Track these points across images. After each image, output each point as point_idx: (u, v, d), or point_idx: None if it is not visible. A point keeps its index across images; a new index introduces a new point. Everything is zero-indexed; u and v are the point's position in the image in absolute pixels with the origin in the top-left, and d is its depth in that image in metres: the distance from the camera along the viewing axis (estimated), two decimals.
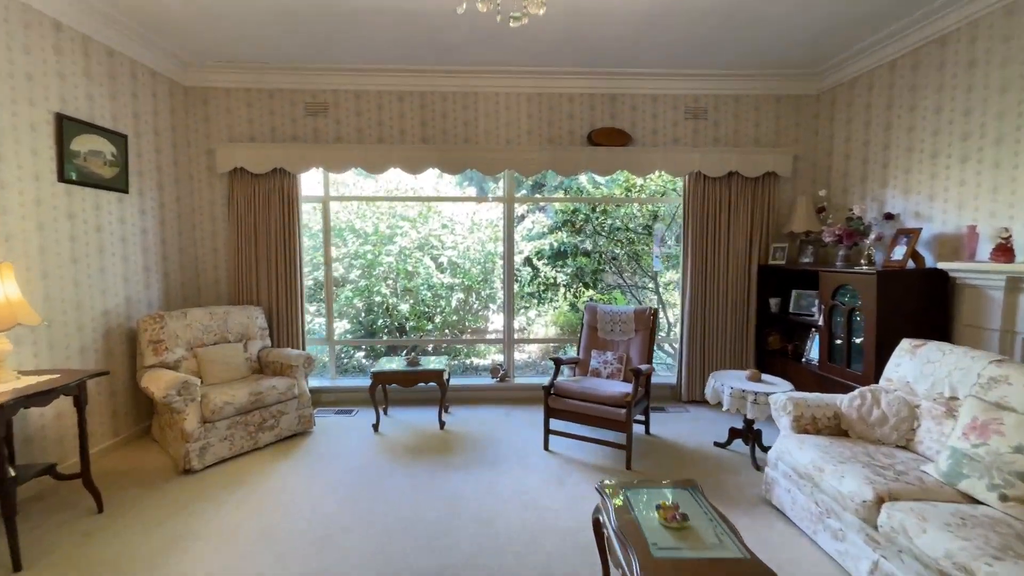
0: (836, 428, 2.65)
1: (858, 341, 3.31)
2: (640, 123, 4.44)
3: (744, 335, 4.49)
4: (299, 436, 3.72)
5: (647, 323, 3.86)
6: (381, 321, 6.77)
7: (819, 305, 3.73)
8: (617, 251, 5.96)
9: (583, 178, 6.68)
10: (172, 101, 4.10)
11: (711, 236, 4.42)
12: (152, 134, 3.87)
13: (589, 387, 3.42)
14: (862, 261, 3.42)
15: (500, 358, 5.08)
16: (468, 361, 6.76)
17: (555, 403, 3.45)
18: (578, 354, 4.04)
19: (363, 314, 6.82)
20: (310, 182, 4.68)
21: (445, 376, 3.94)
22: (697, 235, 4.42)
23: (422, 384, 3.87)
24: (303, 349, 4.37)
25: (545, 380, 4.55)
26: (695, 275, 4.44)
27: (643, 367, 3.44)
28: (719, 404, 3.37)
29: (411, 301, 6.72)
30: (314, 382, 4.62)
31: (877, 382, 3.04)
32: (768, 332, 4.45)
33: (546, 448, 3.50)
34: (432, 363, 4.00)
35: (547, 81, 4.32)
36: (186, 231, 4.27)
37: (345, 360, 6.41)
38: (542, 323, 7.31)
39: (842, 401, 2.68)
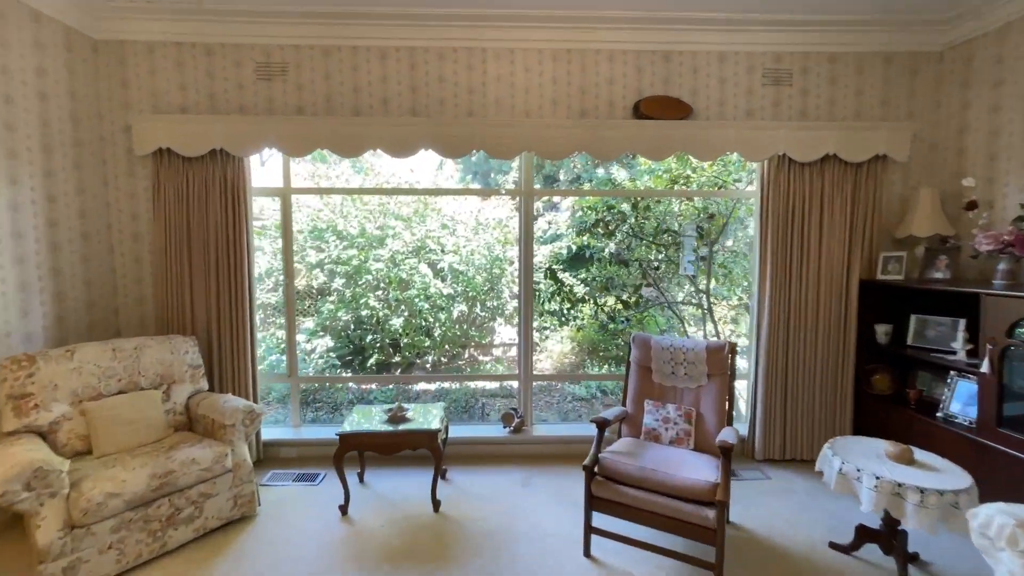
0: None
1: None
2: (703, 91, 3.32)
3: (840, 372, 3.37)
4: (234, 525, 2.63)
5: (724, 364, 2.75)
6: (371, 337, 5.72)
7: (963, 338, 2.62)
8: (655, 257, 4.85)
9: (611, 168, 5.58)
10: (72, 57, 3.01)
11: (796, 241, 3.31)
12: (36, 99, 2.78)
13: (652, 466, 2.31)
14: None
15: (513, 384, 4.02)
16: (472, 386, 5.71)
17: (602, 490, 2.34)
18: (623, 404, 2.94)
19: (352, 327, 5.78)
20: (275, 170, 3.60)
21: (441, 436, 2.84)
22: (779, 240, 3.30)
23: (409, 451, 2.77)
24: (253, 393, 3.28)
25: (573, 429, 3.45)
26: (776, 292, 3.33)
27: (729, 438, 2.33)
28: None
29: (405, 313, 5.65)
30: (270, 432, 3.53)
31: None
32: (873, 369, 3.34)
33: (587, 554, 2.40)
34: (423, 418, 2.90)
35: (579, 33, 3.21)
36: (97, 234, 3.18)
37: (326, 386, 5.33)
38: (557, 338, 6.25)
39: None
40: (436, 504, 2.79)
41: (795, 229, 3.30)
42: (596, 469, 2.39)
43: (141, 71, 3.21)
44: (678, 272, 5.06)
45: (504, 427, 3.52)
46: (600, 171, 7.66)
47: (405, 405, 2.98)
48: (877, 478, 2.09)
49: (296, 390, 3.61)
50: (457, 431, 3.50)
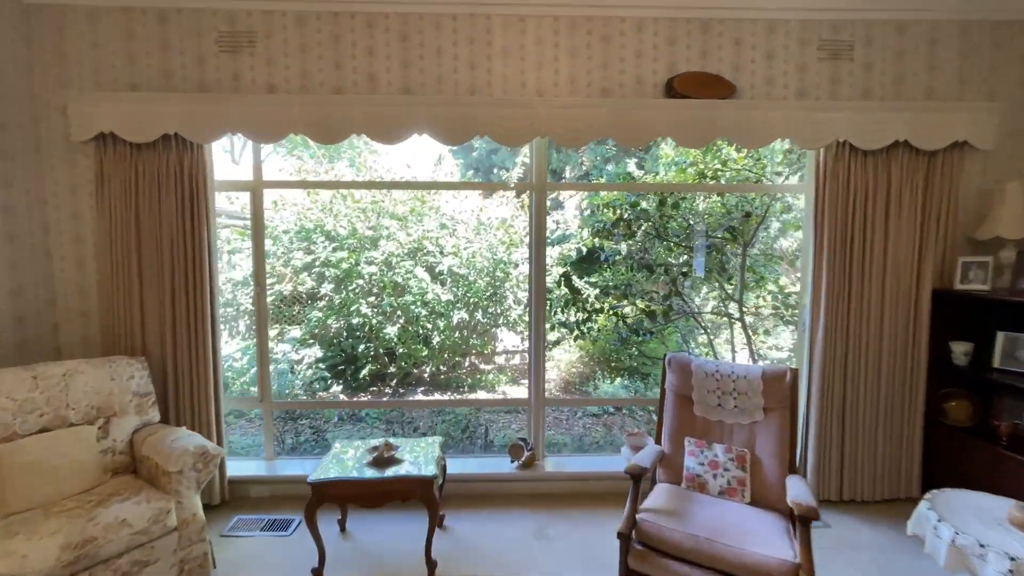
0: None
1: None
2: (747, 66, 2.81)
3: (907, 398, 2.86)
4: None
5: (784, 395, 2.24)
6: (364, 346, 5.23)
7: None
8: (676, 261, 4.34)
9: (629, 161, 5.08)
10: None
11: (857, 243, 2.80)
12: None
13: (707, 535, 1.80)
14: None
15: (523, 395, 3.52)
16: (473, 398, 5.23)
17: (641, 563, 1.84)
18: (657, 440, 2.43)
19: (344, 335, 5.30)
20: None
21: (437, 482, 2.33)
22: (836, 242, 2.79)
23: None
24: (216, 423, 2.77)
25: (594, 463, 2.87)
26: (832, 304, 2.82)
27: (805, 497, 1.82)
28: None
29: (402, 319, 5.16)
30: (239, 467, 3.02)
31: None
32: (947, 395, 2.83)
33: None
34: (416, 458, 2.39)
35: None
36: (29, 236, 2.68)
37: (308, 408, 4.81)
38: (565, 346, 5.76)
39: None
40: (431, 566, 2.27)
41: (855, 230, 2.79)
42: (634, 537, 1.88)
43: (82, 42, 2.70)
44: (692, 274, 4.55)
45: (512, 461, 3.01)
46: (610, 167, 7.15)
47: (394, 441, 2.47)
48: (1012, 559, 1.58)
49: (269, 417, 3.10)
50: (456, 465, 2.98)
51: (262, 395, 3.05)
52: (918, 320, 2.83)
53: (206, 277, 2.73)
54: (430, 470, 2.26)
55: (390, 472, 2.26)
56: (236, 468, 2.98)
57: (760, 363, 4.23)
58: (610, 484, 2.95)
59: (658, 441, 2.43)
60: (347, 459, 2.37)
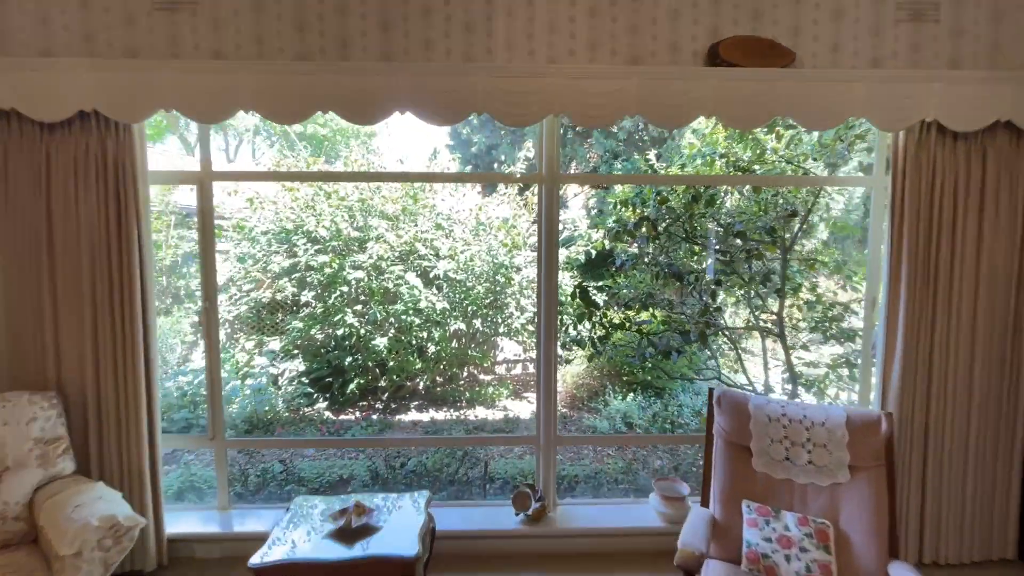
0: None
1: None
2: (808, 29, 2.27)
3: (1002, 437, 2.33)
4: None
5: (878, 450, 1.71)
6: (351, 359, 4.73)
7: None
8: (695, 265, 3.81)
9: (647, 155, 4.55)
10: None
11: (944, 249, 2.25)
12: None
13: None
14: None
15: (523, 415, 2.99)
16: (472, 417, 4.72)
17: None
18: (703, 502, 1.90)
19: (332, 344, 4.79)
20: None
21: (422, 560, 1.79)
22: (918, 247, 2.26)
23: None
24: (151, 471, 2.23)
25: (616, 515, 2.30)
26: (911, 321, 2.28)
27: None
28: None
29: (394, 328, 4.64)
30: (181, 520, 2.47)
31: None
32: None
33: None
34: (395, 523, 1.85)
35: None
36: None
37: (290, 416, 4.27)
38: (568, 356, 5.25)
39: None
40: None
41: (942, 233, 2.25)
42: None
43: None
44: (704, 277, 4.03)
45: (516, 513, 2.46)
46: (618, 164, 6.64)
47: (368, 501, 1.93)
48: None
49: (223, 458, 2.55)
50: (449, 518, 2.44)
51: (213, 432, 2.51)
52: (1018, 344, 2.29)
53: (136, 290, 2.18)
54: (412, 547, 1.72)
55: (360, 548, 1.72)
56: (177, 523, 2.43)
57: (814, 395, 3.70)
58: (640, 540, 2.41)
59: (704, 502, 1.90)
60: (305, 527, 1.83)
